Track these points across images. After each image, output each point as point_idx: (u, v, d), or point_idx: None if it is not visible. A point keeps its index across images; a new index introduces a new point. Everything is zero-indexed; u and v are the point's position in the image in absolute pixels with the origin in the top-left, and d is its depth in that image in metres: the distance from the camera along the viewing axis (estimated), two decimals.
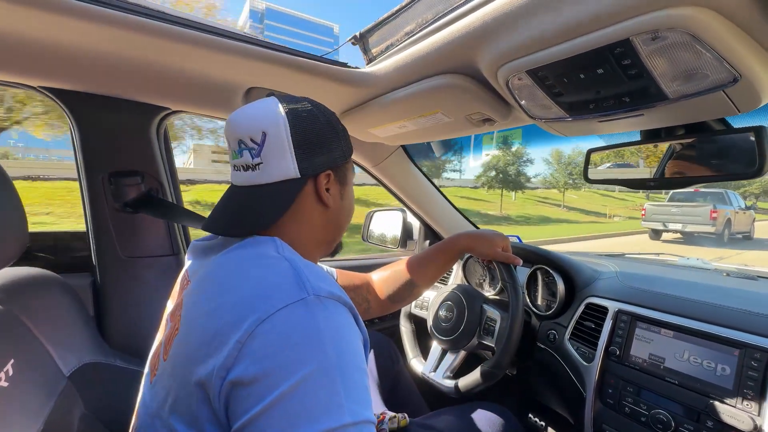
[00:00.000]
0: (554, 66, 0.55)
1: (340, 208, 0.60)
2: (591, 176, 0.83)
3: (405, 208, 1.51)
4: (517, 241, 1.29)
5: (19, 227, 0.51)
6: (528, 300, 1.08)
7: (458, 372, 0.97)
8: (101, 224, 0.96)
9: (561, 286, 0.99)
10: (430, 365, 1.03)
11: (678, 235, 10.61)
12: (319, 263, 0.85)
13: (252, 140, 0.52)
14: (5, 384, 0.51)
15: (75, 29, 0.61)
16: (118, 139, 0.94)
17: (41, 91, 0.85)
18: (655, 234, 10.85)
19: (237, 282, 0.45)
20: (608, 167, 0.93)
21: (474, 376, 0.88)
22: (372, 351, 1.08)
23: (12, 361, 0.54)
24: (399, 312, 1.28)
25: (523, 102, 0.69)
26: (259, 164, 0.52)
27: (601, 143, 0.82)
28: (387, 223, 1.64)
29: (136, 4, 0.61)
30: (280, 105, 0.54)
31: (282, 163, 0.53)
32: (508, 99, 0.73)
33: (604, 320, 0.87)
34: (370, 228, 1.67)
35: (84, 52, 0.69)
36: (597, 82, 0.56)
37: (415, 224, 1.57)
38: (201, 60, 0.73)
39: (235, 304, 0.41)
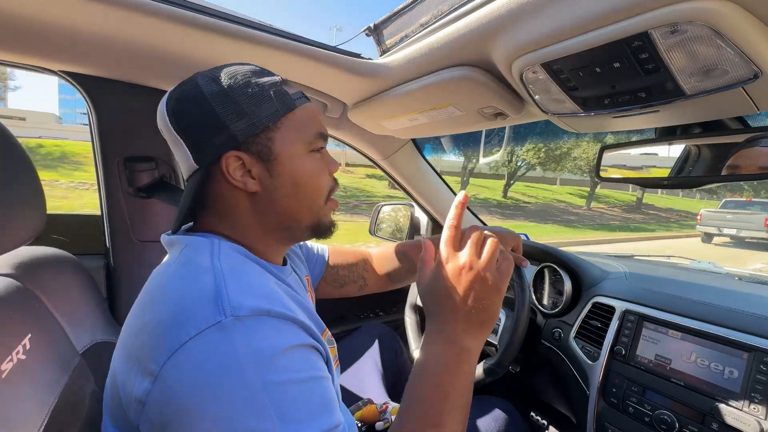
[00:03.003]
0: (570, 59, 0.55)
1: (275, 188, 0.49)
2: (603, 174, 0.82)
3: (413, 203, 1.51)
4: (525, 239, 1.29)
5: (38, 207, 0.53)
6: (534, 298, 1.07)
7: None
8: (115, 208, 0.98)
9: (568, 285, 0.99)
10: None
11: (728, 239, 11.21)
12: (308, 242, 0.83)
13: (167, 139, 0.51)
14: (23, 357, 0.52)
15: (96, 14, 0.63)
16: (134, 124, 0.96)
17: (61, 75, 0.86)
18: (708, 237, 11.48)
19: (158, 299, 0.42)
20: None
21: (476, 372, 0.89)
22: (377, 342, 1.09)
23: (29, 335, 0.55)
24: (404, 305, 1.29)
25: (536, 96, 0.69)
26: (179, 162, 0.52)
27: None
28: (395, 217, 1.64)
29: None
30: (168, 93, 0.49)
31: (181, 157, 0.49)
32: (521, 93, 0.72)
33: (610, 320, 0.86)
34: (378, 222, 1.67)
35: (104, 37, 0.70)
36: (613, 76, 0.55)
37: (423, 219, 1.56)
38: (215, 47, 0.74)
39: (154, 328, 0.39)
